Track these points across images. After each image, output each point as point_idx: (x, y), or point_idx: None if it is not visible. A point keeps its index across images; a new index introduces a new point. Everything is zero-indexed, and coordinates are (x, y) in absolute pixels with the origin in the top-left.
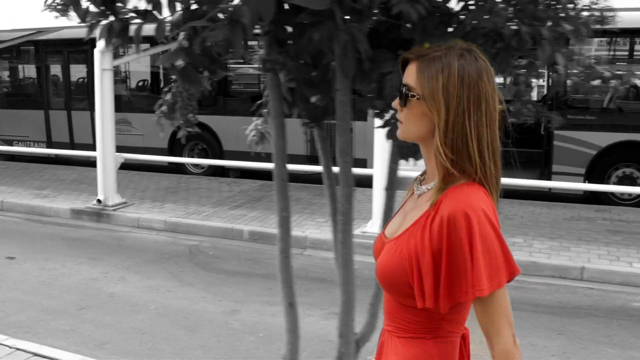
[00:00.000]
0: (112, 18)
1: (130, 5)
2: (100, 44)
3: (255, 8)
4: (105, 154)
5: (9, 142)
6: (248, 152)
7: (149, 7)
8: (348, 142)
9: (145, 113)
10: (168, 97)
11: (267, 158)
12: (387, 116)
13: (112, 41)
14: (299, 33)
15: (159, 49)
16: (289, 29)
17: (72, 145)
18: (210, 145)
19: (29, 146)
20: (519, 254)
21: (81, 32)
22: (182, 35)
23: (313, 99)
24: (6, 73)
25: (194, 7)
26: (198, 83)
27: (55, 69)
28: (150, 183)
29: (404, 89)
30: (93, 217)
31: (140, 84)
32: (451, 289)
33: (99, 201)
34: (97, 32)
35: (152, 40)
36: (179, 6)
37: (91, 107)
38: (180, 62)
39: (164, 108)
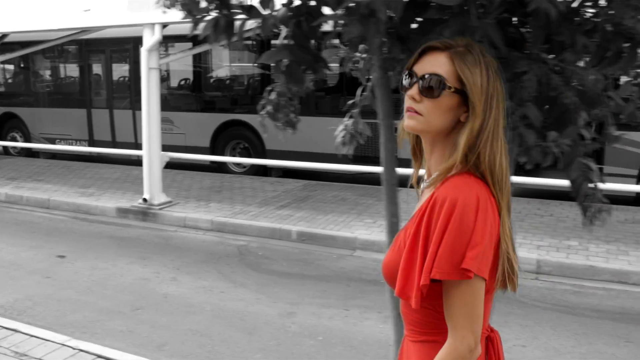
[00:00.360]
0: (215, 13)
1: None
2: (147, 43)
3: (386, 3)
4: (152, 153)
5: (52, 141)
6: (290, 152)
7: (254, 3)
8: None
9: (186, 112)
10: (272, 96)
11: (313, 158)
12: None
13: (217, 37)
14: (423, 30)
15: (203, 48)
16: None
17: (114, 144)
18: (253, 144)
19: (72, 144)
20: (575, 258)
21: (123, 32)
22: (284, 32)
23: None
24: (49, 72)
25: (297, 3)
26: (302, 82)
27: (98, 68)
28: (194, 182)
29: (435, 78)
30: (139, 216)
31: (182, 82)
32: (420, 275)
33: (144, 200)
34: (201, 28)
35: (194, 40)
36: (277, 3)
37: (133, 106)
38: (285, 61)
39: (269, 108)
